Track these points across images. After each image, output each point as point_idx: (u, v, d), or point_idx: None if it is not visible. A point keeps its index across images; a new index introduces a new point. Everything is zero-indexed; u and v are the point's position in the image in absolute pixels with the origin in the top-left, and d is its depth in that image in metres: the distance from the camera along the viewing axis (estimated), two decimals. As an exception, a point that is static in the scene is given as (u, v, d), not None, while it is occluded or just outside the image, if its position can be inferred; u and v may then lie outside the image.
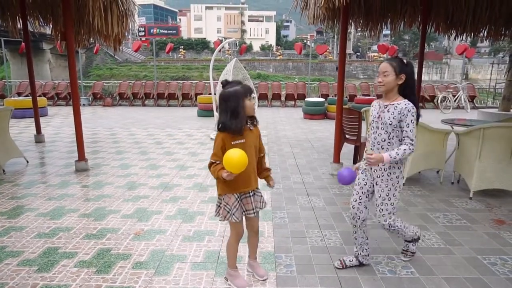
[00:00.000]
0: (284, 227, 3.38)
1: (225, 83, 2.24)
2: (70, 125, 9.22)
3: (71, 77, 5.15)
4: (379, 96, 14.84)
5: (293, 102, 15.35)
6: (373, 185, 2.54)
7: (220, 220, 2.31)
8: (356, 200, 2.59)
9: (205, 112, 11.46)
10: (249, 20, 78.60)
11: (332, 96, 13.84)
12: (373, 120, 2.49)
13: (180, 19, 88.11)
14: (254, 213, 2.32)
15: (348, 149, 5.96)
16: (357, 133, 5.12)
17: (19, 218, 3.53)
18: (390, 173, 2.44)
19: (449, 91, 14.22)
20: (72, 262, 2.71)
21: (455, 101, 14.13)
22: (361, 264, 2.67)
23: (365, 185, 2.56)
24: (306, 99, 12.07)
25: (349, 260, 2.67)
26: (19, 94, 15.13)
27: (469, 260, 2.79)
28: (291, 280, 2.52)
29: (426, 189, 4.53)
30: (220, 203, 2.31)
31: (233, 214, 2.26)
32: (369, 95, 14.78)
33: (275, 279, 2.53)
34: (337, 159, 5.16)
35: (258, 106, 12.36)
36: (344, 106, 5.17)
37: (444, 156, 4.81)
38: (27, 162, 5.69)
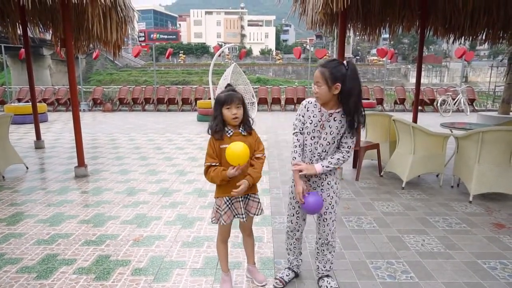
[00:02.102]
0: (284, 232, 3.34)
1: (226, 86, 2.32)
2: (70, 131, 9.25)
3: (70, 83, 5.17)
4: (379, 101, 14.90)
5: (293, 106, 15.37)
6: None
7: (212, 222, 2.35)
8: (293, 215, 2.44)
9: (205, 116, 11.47)
10: (248, 25, 78.93)
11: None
12: (314, 129, 2.23)
13: (180, 24, 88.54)
14: (244, 217, 2.32)
15: (347, 153, 5.96)
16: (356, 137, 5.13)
17: (19, 224, 3.53)
18: (330, 181, 2.31)
19: (448, 94, 14.25)
20: (71, 269, 2.71)
21: (454, 104, 14.15)
22: (296, 275, 2.60)
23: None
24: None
25: (286, 275, 2.54)
26: (19, 100, 15.16)
27: (469, 265, 2.78)
28: (290, 286, 2.51)
29: (426, 193, 4.53)
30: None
31: (221, 217, 2.29)
32: (369, 99, 14.81)
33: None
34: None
35: (258, 110, 12.36)
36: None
37: (443, 160, 4.81)
38: (27, 168, 5.70)
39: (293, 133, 2.33)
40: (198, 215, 3.78)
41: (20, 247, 3.06)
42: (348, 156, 2.25)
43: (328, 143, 2.23)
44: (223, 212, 2.29)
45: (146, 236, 3.28)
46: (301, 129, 2.30)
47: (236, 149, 2.05)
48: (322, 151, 2.25)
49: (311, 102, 2.27)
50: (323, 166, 2.23)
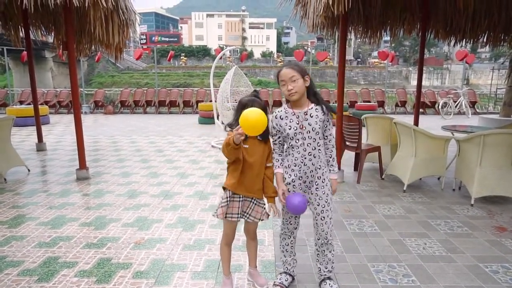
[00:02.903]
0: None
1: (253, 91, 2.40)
2: (72, 133, 9.25)
3: (72, 86, 5.19)
4: (380, 103, 14.89)
5: (294, 109, 15.36)
6: (306, 195, 2.38)
7: (213, 215, 2.35)
8: (291, 217, 2.43)
9: (206, 119, 11.49)
10: (250, 27, 79.08)
11: (333, 103, 13.85)
12: (295, 133, 2.26)
13: (181, 27, 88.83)
14: (237, 218, 2.31)
15: (348, 156, 5.96)
16: (357, 140, 5.13)
17: (20, 227, 3.54)
18: (324, 179, 2.34)
19: (449, 97, 14.24)
20: (72, 272, 2.71)
21: (456, 106, 14.14)
22: (293, 278, 2.59)
23: None
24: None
25: (285, 280, 2.52)
26: (21, 103, 15.21)
27: (470, 268, 2.78)
28: (291, 289, 2.51)
29: (427, 196, 4.52)
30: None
31: (217, 210, 2.31)
32: (370, 101, 14.81)
33: (276, 288, 2.51)
34: (337, 166, 5.16)
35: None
36: (344, 113, 5.18)
37: (445, 163, 4.80)
38: (29, 170, 5.71)
39: (273, 142, 2.40)
40: (199, 218, 3.78)
41: (22, 249, 3.07)
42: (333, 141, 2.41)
43: (314, 140, 2.28)
44: (220, 206, 2.30)
45: (147, 239, 3.29)
46: (279, 138, 2.37)
47: (254, 117, 1.93)
48: (313, 149, 2.28)
49: (282, 111, 2.34)
50: (336, 172, 2.40)
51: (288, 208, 2.27)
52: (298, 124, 2.27)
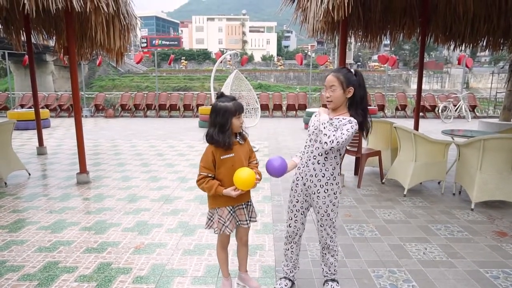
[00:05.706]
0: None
1: (220, 96, 2.26)
2: (72, 137, 9.25)
3: (73, 90, 5.20)
4: (380, 107, 14.90)
5: (294, 113, 15.39)
6: (307, 201, 2.41)
7: (215, 233, 2.34)
8: (291, 219, 2.46)
9: (207, 123, 11.48)
10: (250, 31, 79.26)
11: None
12: (313, 132, 2.30)
13: (182, 31, 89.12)
14: (247, 223, 2.35)
15: (349, 160, 5.96)
16: (357, 144, 5.13)
17: (20, 231, 3.54)
18: (327, 189, 2.29)
19: (450, 101, 14.25)
20: (72, 277, 2.71)
21: (456, 110, 14.15)
22: (293, 284, 2.59)
23: (297, 202, 2.41)
24: (307, 110, 12.11)
25: (285, 285, 2.52)
26: (22, 106, 15.23)
27: (471, 273, 2.77)
28: (291, 295, 2.50)
29: (428, 201, 4.52)
30: (212, 216, 2.35)
31: (227, 227, 2.29)
32: (370, 105, 14.82)
33: (276, 293, 2.51)
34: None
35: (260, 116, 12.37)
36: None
37: (445, 167, 4.80)
38: (29, 174, 5.71)
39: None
40: (199, 223, 3.78)
41: (22, 254, 3.07)
42: (333, 142, 2.12)
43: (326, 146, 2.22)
44: (228, 222, 2.29)
45: (147, 243, 3.28)
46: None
47: (246, 176, 2.12)
48: (319, 154, 2.28)
49: (320, 109, 2.34)
50: (325, 122, 2.19)
51: (267, 167, 2.25)
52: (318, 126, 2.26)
